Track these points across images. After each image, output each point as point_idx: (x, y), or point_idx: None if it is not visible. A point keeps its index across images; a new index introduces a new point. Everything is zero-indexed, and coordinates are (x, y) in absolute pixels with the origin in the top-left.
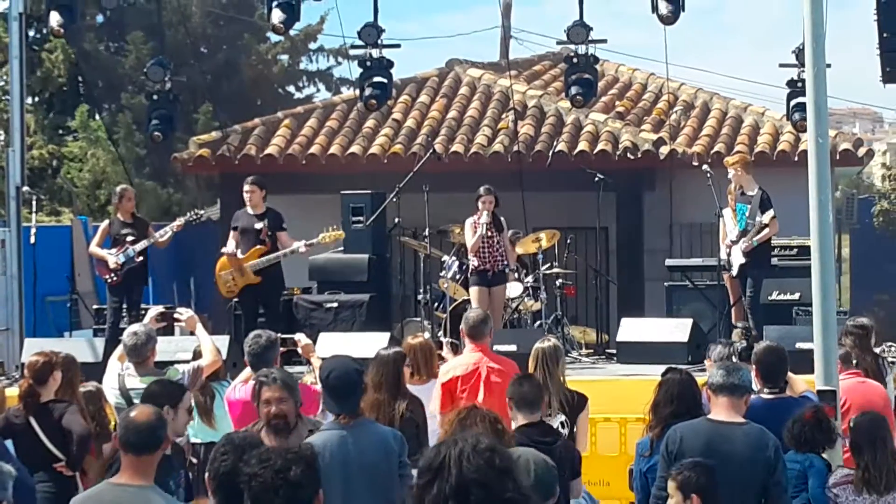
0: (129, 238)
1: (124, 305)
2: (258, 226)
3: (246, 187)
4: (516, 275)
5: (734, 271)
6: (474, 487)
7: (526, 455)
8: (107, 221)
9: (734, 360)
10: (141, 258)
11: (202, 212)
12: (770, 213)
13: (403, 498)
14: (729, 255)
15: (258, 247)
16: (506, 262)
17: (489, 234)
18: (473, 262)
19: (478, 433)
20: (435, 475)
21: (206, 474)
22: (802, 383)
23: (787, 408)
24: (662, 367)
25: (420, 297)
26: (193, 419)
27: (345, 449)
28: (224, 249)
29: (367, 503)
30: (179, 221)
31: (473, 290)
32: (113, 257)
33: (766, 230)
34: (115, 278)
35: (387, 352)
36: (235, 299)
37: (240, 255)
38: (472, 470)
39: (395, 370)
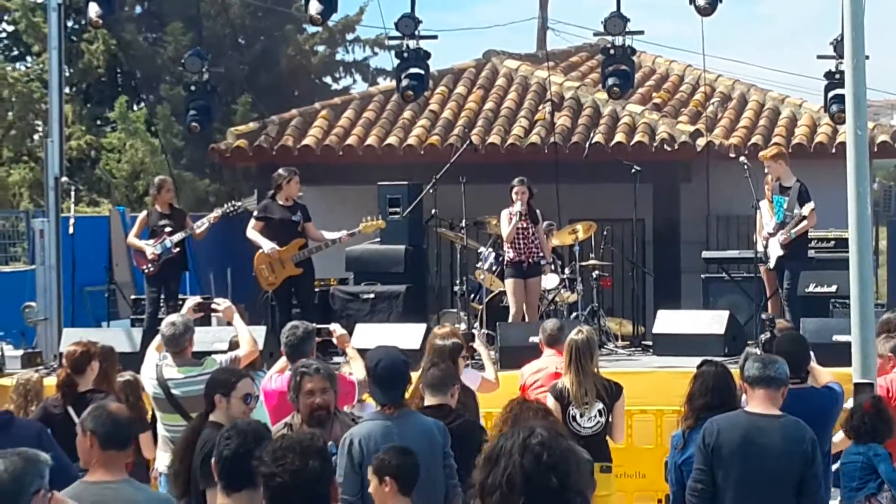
0: (167, 229)
1: (162, 296)
2: (295, 218)
3: (294, 178)
4: (552, 266)
5: (771, 263)
6: (519, 481)
7: None
8: (145, 212)
9: (758, 351)
10: (178, 249)
11: (240, 203)
12: (810, 205)
13: (447, 488)
14: (766, 247)
15: (298, 239)
16: (541, 254)
17: (524, 225)
18: (509, 253)
19: (536, 426)
20: (492, 466)
21: (212, 459)
22: (826, 374)
23: (810, 398)
24: (699, 360)
25: (456, 288)
26: (254, 408)
27: (389, 439)
28: (265, 248)
29: (417, 495)
30: (217, 213)
31: (509, 281)
32: (150, 248)
33: (805, 222)
34: (152, 269)
35: (443, 342)
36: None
37: (278, 248)
38: (518, 463)
39: (450, 360)
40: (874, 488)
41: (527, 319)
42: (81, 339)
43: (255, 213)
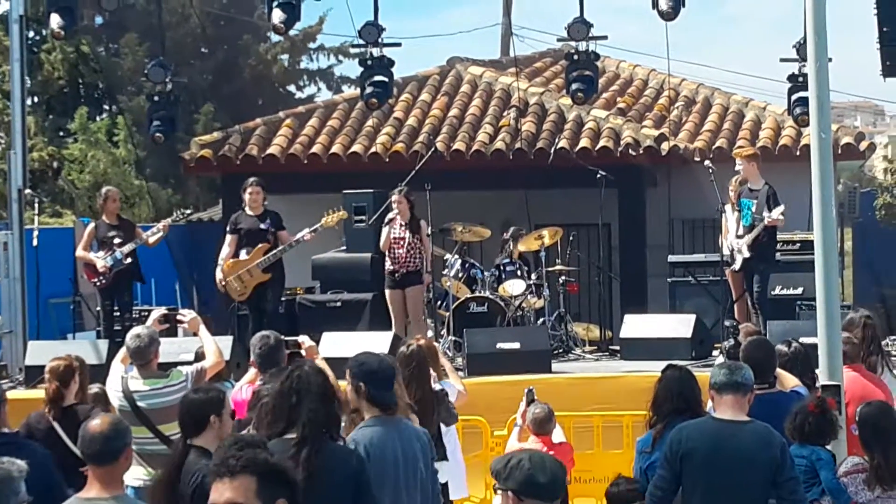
0: (116, 240)
1: (115, 308)
2: (263, 226)
3: (252, 189)
4: (430, 276)
5: (737, 265)
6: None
7: (537, 452)
8: (92, 224)
9: (723, 358)
10: (129, 260)
11: (188, 211)
12: (780, 208)
13: (437, 494)
14: (732, 249)
15: (261, 245)
16: (419, 263)
17: (401, 234)
18: (386, 263)
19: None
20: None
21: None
22: (792, 378)
23: (777, 403)
24: (666, 364)
25: (423, 295)
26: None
27: (390, 443)
28: (222, 257)
29: (412, 499)
30: (166, 222)
31: (387, 293)
32: (101, 260)
33: (766, 223)
34: (103, 281)
35: (406, 349)
36: (239, 301)
37: (244, 257)
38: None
39: (417, 364)
40: (816, 494)
41: (410, 329)
42: (58, 353)
43: (227, 227)
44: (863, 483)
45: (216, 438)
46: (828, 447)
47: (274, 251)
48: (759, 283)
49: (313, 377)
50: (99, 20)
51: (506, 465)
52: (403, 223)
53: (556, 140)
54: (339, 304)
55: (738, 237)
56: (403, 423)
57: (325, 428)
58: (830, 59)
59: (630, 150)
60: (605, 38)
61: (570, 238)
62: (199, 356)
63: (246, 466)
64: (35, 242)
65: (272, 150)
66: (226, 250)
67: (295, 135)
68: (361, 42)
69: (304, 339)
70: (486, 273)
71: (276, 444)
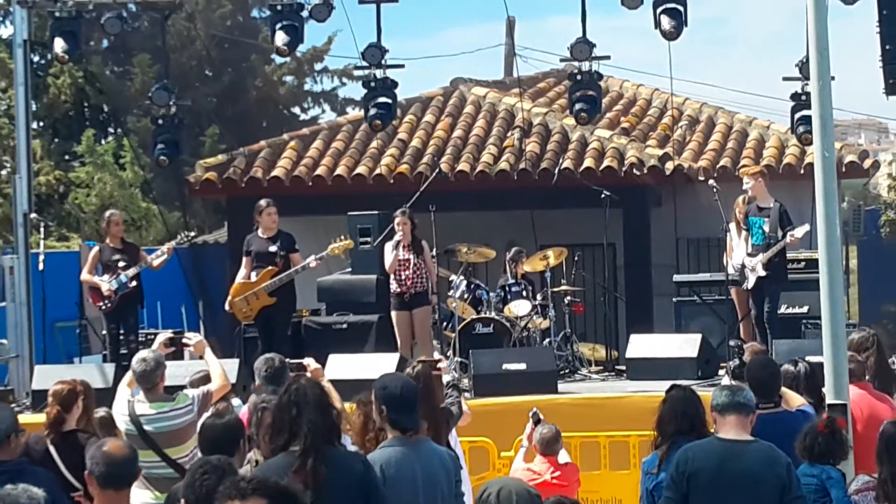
0: (121, 264)
1: (121, 331)
2: (272, 248)
3: (269, 210)
4: (436, 297)
5: (749, 284)
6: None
7: (508, 486)
8: (97, 248)
9: (729, 378)
10: (134, 283)
11: (192, 233)
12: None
13: None
14: (743, 267)
15: (269, 268)
16: (425, 284)
17: (406, 255)
18: (392, 285)
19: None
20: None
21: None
22: (797, 397)
23: (782, 422)
24: (672, 384)
25: None
26: None
27: (409, 466)
28: (237, 279)
29: None
30: (170, 245)
31: (394, 314)
32: (106, 284)
33: (788, 240)
34: (108, 305)
35: (411, 370)
36: (245, 324)
37: (253, 279)
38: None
39: (424, 384)
40: None
41: (416, 350)
42: (63, 377)
43: (244, 249)
44: (874, 501)
45: (240, 462)
46: (838, 467)
47: (280, 276)
48: (769, 302)
49: (310, 389)
50: (105, 43)
51: (479, 498)
52: (406, 245)
53: (561, 160)
54: (344, 325)
55: (750, 255)
56: (426, 444)
57: (326, 436)
58: (833, 78)
59: (634, 170)
60: (607, 57)
61: (576, 258)
62: (194, 382)
63: (257, 489)
64: (41, 266)
65: (277, 172)
66: (242, 272)
67: (299, 157)
68: (365, 64)
69: (310, 362)
70: (491, 294)
71: (281, 458)
